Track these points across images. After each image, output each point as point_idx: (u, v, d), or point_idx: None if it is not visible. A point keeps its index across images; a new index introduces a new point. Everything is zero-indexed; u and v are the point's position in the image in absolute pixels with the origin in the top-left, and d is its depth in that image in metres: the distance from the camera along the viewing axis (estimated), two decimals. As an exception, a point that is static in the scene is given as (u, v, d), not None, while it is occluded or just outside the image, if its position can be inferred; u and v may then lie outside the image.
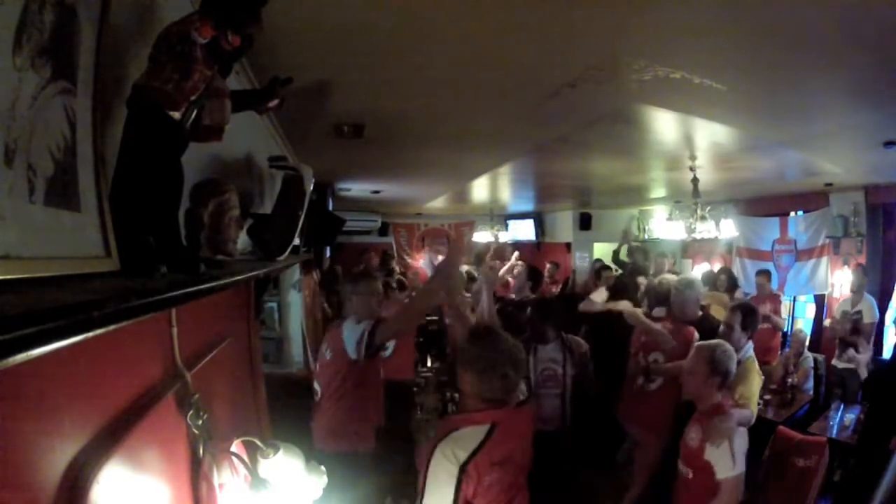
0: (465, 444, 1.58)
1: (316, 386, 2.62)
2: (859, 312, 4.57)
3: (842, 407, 4.06)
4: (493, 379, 1.63)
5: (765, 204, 6.23)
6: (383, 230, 9.21)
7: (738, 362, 2.54)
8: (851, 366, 4.50)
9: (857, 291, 4.73)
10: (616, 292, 4.03)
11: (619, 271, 7.66)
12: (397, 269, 6.74)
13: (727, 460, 2.10)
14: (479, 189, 6.36)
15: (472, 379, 1.67)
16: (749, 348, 2.82)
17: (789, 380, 4.48)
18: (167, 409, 1.03)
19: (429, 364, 4.86)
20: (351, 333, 2.43)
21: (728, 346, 2.39)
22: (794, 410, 4.26)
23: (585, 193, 6.87)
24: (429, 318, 5.65)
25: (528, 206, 8.60)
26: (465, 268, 7.14)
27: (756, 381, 2.72)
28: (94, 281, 0.74)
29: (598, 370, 3.31)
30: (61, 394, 0.68)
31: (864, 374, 4.41)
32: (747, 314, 2.86)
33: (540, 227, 9.10)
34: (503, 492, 1.65)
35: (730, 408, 2.27)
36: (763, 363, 4.78)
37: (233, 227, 1.36)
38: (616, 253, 6.76)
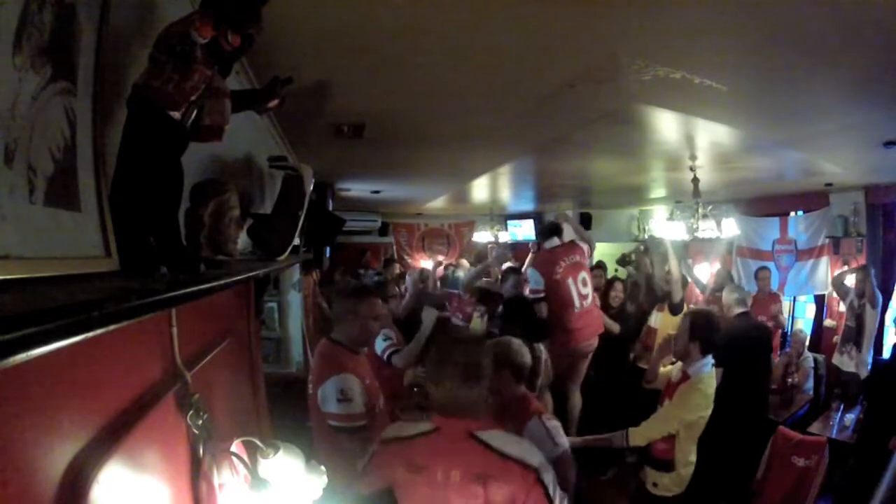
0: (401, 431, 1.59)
1: None
2: (863, 307, 4.56)
3: (842, 407, 4.06)
4: (432, 385, 1.55)
5: (765, 204, 6.23)
6: (383, 230, 9.20)
7: (686, 377, 2.40)
8: (853, 370, 4.49)
9: (862, 295, 4.72)
10: None
11: (618, 269, 7.64)
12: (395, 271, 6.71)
13: None
14: (479, 189, 6.36)
15: (433, 388, 1.57)
16: (705, 365, 2.41)
17: (789, 380, 4.49)
18: (167, 409, 1.03)
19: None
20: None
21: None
22: (794, 410, 4.27)
23: (585, 193, 6.86)
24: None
25: (528, 206, 8.60)
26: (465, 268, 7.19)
27: (691, 405, 2.35)
28: (94, 281, 0.74)
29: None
30: (61, 394, 0.68)
31: (864, 367, 4.41)
32: (697, 321, 2.44)
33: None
34: None
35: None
36: (763, 363, 4.81)
37: (233, 227, 1.36)
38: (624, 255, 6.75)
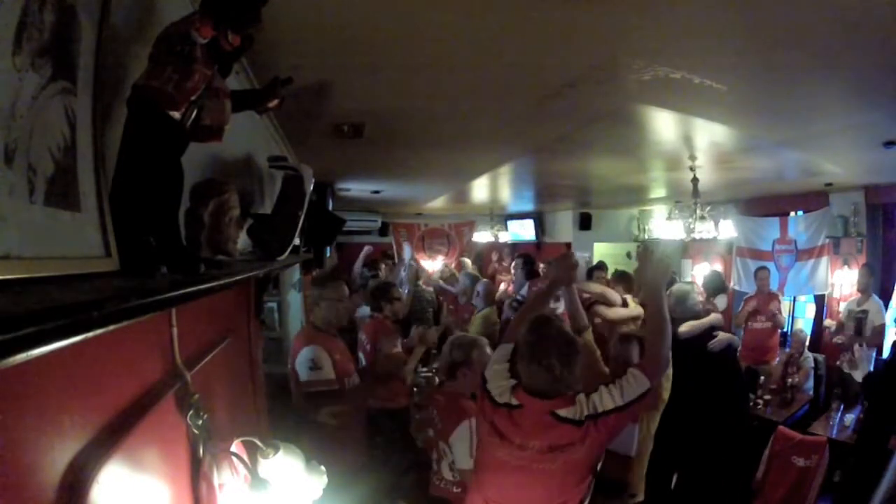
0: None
1: None
2: (865, 312, 4.56)
3: (842, 407, 4.06)
4: (538, 369, 1.66)
5: (765, 204, 6.23)
6: (383, 230, 9.20)
7: None
8: (852, 373, 4.48)
9: (864, 291, 4.72)
10: None
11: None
12: (383, 268, 6.66)
13: None
14: (479, 189, 6.36)
15: (522, 369, 1.71)
16: None
17: (789, 380, 4.49)
18: (167, 409, 1.03)
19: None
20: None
21: None
22: (794, 410, 4.27)
23: (585, 193, 6.86)
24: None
25: (528, 206, 8.60)
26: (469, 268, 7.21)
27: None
28: (94, 281, 0.74)
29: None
30: (61, 394, 0.68)
31: (864, 369, 4.41)
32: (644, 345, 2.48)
33: (540, 227, 9.10)
34: (495, 469, 1.73)
35: None
36: (763, 363, 4.82)
37: (233, 227, 1.35)
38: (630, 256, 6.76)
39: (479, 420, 1.85)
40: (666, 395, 2.41)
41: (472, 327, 4.09)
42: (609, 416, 1.63)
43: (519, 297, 4.39)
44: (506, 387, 1.75)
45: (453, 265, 7.81)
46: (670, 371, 2.36)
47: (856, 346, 4.52)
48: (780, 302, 5.22)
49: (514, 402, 1.71)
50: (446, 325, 4.62)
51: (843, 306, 5.03)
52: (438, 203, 7.65)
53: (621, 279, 4.10)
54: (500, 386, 1.76)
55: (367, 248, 6.63)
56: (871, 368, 4.45)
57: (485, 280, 5.18)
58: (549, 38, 1.88)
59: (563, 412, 1.64)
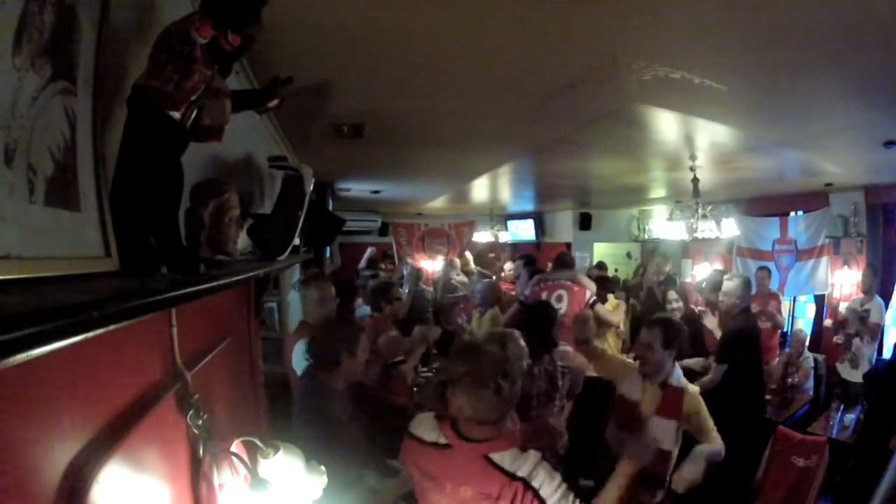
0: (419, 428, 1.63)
1: None
2: (867, 311, 4.56)
3: (842, 407, 4.05)
4: (486, 393, 1.46)
5: (765, 204, 6.23)
6: (383, 230, 9.19)
7: (674, 388, 2.30)
8: (852, 379, 4.47)
9: (867, 292, 4.72)
10: None
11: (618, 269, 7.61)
12: (383, 268, 6.67)
13: None
14: (479, 189, 6.36)
15: (462, 401, 1.49)
16: (679, 373, 2.36)
17: (789, 380, 4.48)
18: (167, 409, 1.03)
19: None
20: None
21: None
22: (794, 410, 4.27)
23: (585, 193, 6.86)
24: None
25: (528, 206, 8.60)
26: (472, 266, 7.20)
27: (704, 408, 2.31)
28: (94, 281, 0.74)
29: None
30: (61, 394, 0.68)
31: (864, 368, 4.41)
32: (669, 330, 2.34)
33: (540, 227, 9.10)
34: None
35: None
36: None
37: (233, 227, 1.36)
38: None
39: (407, 464, 1.66)
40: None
41: (480, 329, 4.08)
42: (538, 500, 1.43)
43: (522, 298, 4.41)
44: (429, 423, 1.59)
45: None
46: None
47: (856, 341, 4.52)
48: (779, 303, 5.21)
49: (442, 440, 1.53)
50: (453, 329, 4.65)
51: (843, 306, 5.03)
52: (438, 203, 7.65)
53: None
54: (423, 423, 1.61)
55: (370, 250, 6.63)
56: (872, 367, 4.45)
57: (486, 280, 5.18)
58: (549, 38, 1.88)
59: (496, 457, 1.46)
